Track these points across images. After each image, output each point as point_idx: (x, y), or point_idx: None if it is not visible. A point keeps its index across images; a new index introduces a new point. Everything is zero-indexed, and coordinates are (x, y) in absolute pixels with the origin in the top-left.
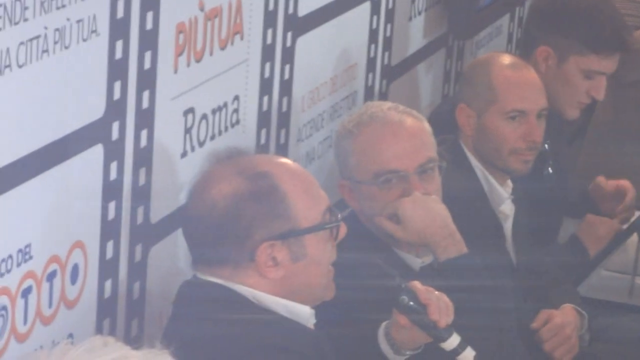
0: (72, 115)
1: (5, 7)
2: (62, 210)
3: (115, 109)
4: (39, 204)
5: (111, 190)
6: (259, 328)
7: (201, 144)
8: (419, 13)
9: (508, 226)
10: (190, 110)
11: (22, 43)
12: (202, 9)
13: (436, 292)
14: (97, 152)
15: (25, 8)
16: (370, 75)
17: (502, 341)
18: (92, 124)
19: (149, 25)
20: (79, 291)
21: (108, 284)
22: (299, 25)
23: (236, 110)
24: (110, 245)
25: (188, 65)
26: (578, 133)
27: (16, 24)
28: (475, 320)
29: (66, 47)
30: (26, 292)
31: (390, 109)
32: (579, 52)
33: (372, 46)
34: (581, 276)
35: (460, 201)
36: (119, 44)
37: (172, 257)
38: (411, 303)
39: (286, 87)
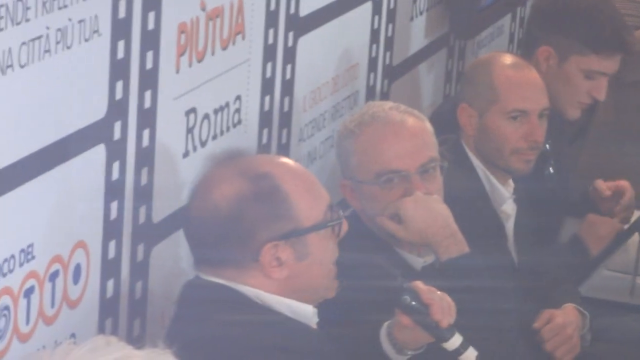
0: (74, 115)
1: (7, 7)
2: (64, 210)
3: (117, 109)
4: (41, 204)
5: (113, 190)
6: (263, 328)
7: (203, 144)
8: (421, 13)
9: (510, 226)
10: (192, 110)
11: (24, 43)
12: (203, 9)
13: (438, 292)
14: (99, 152)
15: (27, 8)
16: (372, 75)
17: (503, 341)
18: (94, 124)
19: (150, 25)
20: (82, 291)
21: (110, 284)
22: (301, 25)
23: (238, 110)
24: (112, 245)
25: (190, 65)
26: (579, 133)
27: (18, 24)
28: (477, 320)
29: (68, 47)
30: (29, 292)
31: (392, 108)
32: (580, 52)
33: (374, 46)
34: (583, 276)
35: (462, 201)
36: (121, 44)
37: (174, 256)
38: (413, 303)
39: (288, 87)
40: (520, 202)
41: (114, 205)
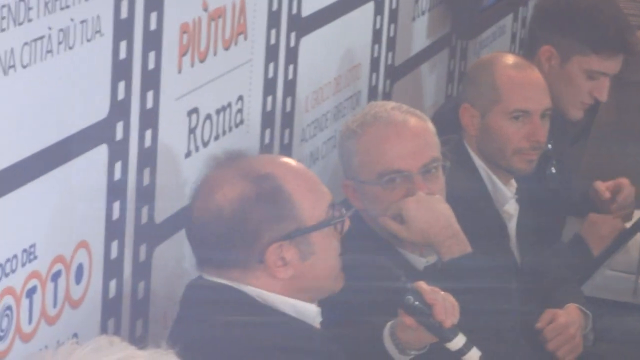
0: (76, 115)
1: (9, 8)
2: (66, 210)
3: (119, 109)
4: (44, 204)
5: (115, 190)
6: (268, 329)
7: (205, 144)
8: (423, 13)
9: (512, 226)
10: (195, 111)
11: (26, 43)
12: (205, 10)
13: (442, 293)
14: (101, 152)
15: (29, 8)
16: (374, 75)
17: (505, 341)
18: (96, 124)
19: (152, 26)
20: (84, 291)
21: (112, 284)
22: (303, 25)
23: (240, 111)
24: (114, 245)
25: (192, 65)
26: (582, 133)
27: (20, 24)
28: (479, 320)
29: (70, 48)
30: (31, 292)
31: (394, 109)
32: (582, 53)
33: (376, 46)
34: (585, 276)
35: (464, 201)
36: (123, 45)
37: (177, 257)
38: (417, 303)
39: (290, 87)
40: (523, 202)
41: (116, 206)
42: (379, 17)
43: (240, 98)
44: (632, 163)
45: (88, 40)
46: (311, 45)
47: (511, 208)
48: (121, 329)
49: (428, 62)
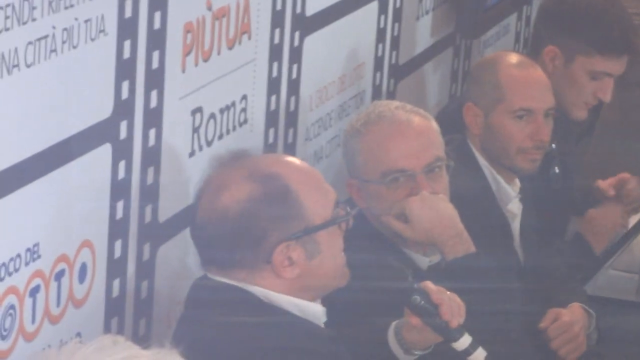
0: (80, 114)
1: (13, 7)
2: (70, 210)
3: (123, 108)
4: (47, 203)
5: (119, 190)
6: (276, 329)
7: (209, 144)
8: (427, 12)
9: (516, 225)
10: (198, 110)
11: (30, 43)
12: (209, 9)
13: (448, 293)
14: (105, 152)
15: (33, 8)
16: (378, 75)
17: (509, 340)
18: (100, 124)
19: (156, 25)
20: (87, 290)
21: (116, 283)
22: (307, 24)
23: (244, 110)
24: (118, 244)
25: (196, 64)
26: (585, 133)
27: (24, 23)
28: (482, 319)
29: (74, 47)
30: (34, 291)
31: (398, 108)
32: (585, 53)
33: (380, 45)
34: (588, 275)
35: (468, 200)
36: (127, 44)
37: (180, 256)
38: (423, 303)
39: (294, 87)
40: (526, 201)
41: (120, 205)
42: (383, 17)
43: (244, 97)
44: (636, 162)
45: (92, 40)
46: (315, 44)
47: (515, 207)
48: (124, 329)
49: (432, 61)
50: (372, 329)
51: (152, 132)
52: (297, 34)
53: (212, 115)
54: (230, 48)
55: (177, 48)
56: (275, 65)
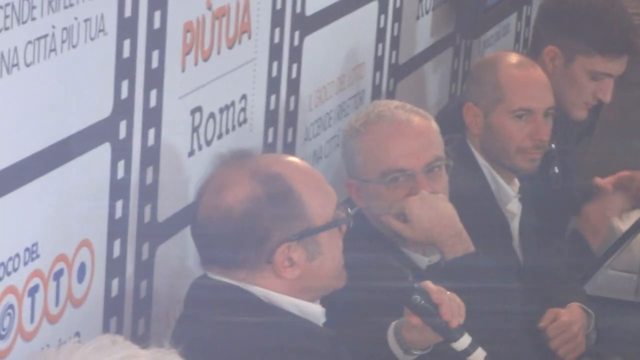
0: (79, 114)
1: (13, 6)
2: (69, 209)
3: (122, 107)
4: (46, 202)
5: (118, 189)
6: (276, 329)
7: (208, 143)
8: (427, 12)
9: (515, 225)
10: (198, 109)
11: (29, 42)
12: (209, 8)
13: (448, 293)
14: (104, 151)
15: (33, 7)
16: (378, 74)
17: (508, 340)
18: (99, 123)
19: (156, 25)
20: (86, 290)
21: (115, 283)
22: (307, 24)
23: (243, 109)
24: (117, 243)
25: (195, 64)
26: (585, 133)
27: (24, 23)
28: (482, 319)
29: (74, 46)
30: (33, 291)
31: (398, 107)
32: (585, 53)
33: (380, 45)
34: (587, 275)
35: (468, 200)
36: (127, 43)
37: (179, 255)
38: (423, 302)
39: (293, 86)
40: (526, 201)
41: (119, 204)
42: (383, 16)
43: (244, 97)
44: (636, 161)
45: (92, 39)
46: (315, 44)
47: (514, 207)
48: (123, 328)
49: (432, 61)
50: (372, 329)
51: (151, 132)
52: (297, 34)
53: (212, 115)
54: (230, 47)
55: (176, 47)
56: (275, 64)
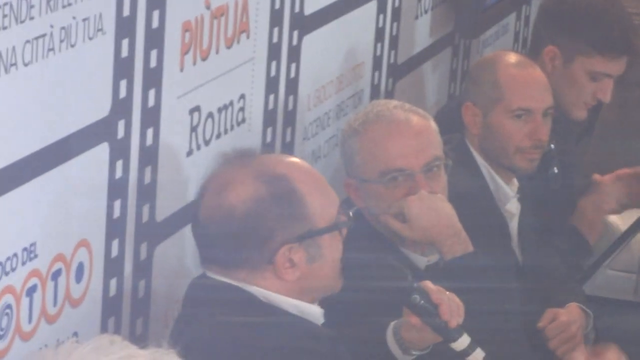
0: (77, 113)
1: (11, 6)
2: (67, 209)
3: (121, 107)
4: (44, 202)
5: (117, 189)
6: (276, 329)
7: (207, 143)
8: (425, 12)
9: (514, 225)
10: (196, 109)
11: (28, 41)
12: (208, 8)
13: (447, 293)
14: (102, 151)
15: (31, 6)
16: (377, 74)
17: (507, 340)
18: (97, 123)
19: (155, 24)
20: (84, 290)
21: (113, 283)
22: (305, 23)
23: (242, 109)
24: (115, 243)
25: (194, 63)
26: (585, 133)
27: (22, 22)
28: (480, 319)
29: (72, 46)
30: (31, 291)
31: (397, 107)
32: (585, 53)
33: (379, 45)
34: (586, 275)
35: (466, 200)
36: (125, 43)
37: (178, 255)
38: (422, 302)
39: (292, 86)
40: (525, 201)
41: (117, 204)
42: (381, 16)
43: (242, 96)
44: (636, 161)
45: (90, 39)
46: (314, 43)
47: (513, 207)
48: (122, 328)
49: (431, 61)
50: (371, 329)
51: (149, 131)
52: (295, 33)
53: (210, 114)
54: (228, 47)
55: (175, 47)
56: (273, 64)
